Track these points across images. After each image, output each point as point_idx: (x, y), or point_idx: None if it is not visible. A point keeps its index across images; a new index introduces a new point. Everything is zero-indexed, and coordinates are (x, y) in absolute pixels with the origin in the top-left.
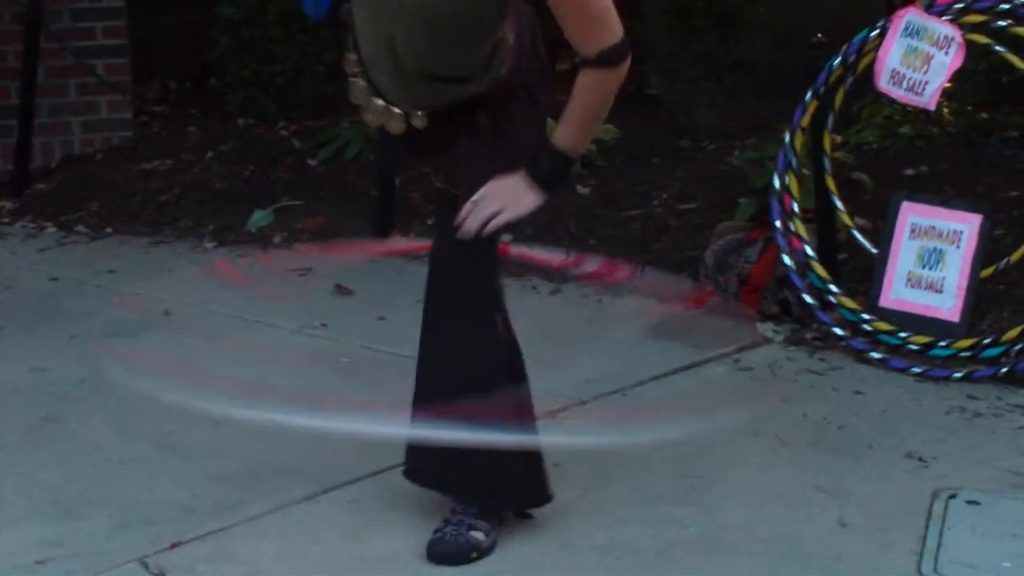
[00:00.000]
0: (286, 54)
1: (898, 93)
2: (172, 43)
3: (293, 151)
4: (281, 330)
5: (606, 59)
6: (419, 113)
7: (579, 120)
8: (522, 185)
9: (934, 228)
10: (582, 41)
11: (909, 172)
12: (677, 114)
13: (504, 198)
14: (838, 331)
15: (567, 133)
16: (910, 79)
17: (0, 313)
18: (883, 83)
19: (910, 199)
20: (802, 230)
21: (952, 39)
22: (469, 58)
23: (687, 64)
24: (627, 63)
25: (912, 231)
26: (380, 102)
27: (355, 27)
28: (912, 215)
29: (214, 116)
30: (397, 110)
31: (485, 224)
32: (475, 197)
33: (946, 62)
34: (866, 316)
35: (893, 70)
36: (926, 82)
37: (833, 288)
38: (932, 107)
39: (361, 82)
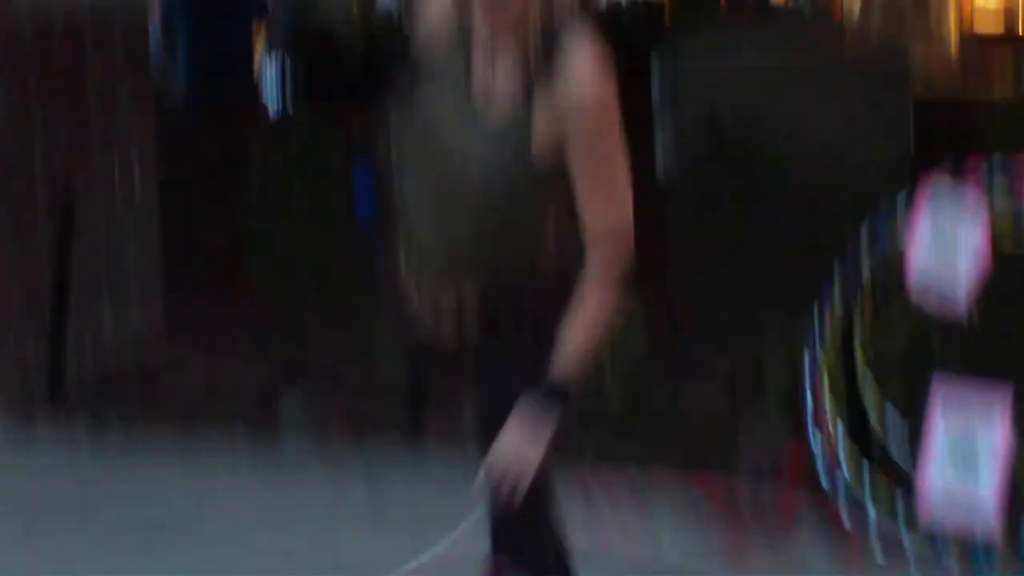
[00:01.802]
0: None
1: (932, 301)
2: (203, 234)
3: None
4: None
5: (615, 240)
6: (466, 319)
7: (581, 348)
8: (522, 438)
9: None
10: (594, 209)
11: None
12: (703, 301)
13: (509, 465)
14: (871, 534)
15: (567, 364)
16: (942, 278)
17: (32, 519)
18: (915, 292)
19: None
20: (833, 431)
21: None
22: (516, 246)
23: (713, 250)
24: (627, 277)
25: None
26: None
27: (406, 223)
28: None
29: (246, 307)
30: (448, 317)
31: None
32: (483, 475)
33: (973, 264)
34: (900, 520)
35: (923, 273)
36: (957, 279)
37: (867, 492)
38: (965, 314)
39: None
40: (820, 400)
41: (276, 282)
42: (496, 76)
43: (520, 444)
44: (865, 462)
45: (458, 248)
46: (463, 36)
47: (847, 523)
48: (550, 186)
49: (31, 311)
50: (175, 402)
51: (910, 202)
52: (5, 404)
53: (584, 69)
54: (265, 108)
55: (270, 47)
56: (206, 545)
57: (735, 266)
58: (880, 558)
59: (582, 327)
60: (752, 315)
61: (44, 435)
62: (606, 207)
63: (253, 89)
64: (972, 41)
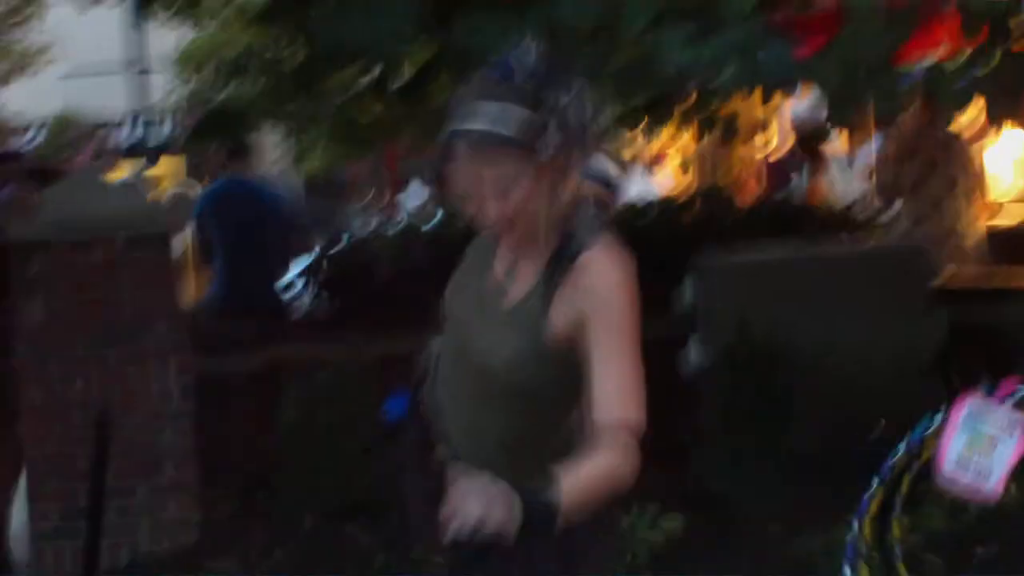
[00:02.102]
0: (348, 446)
1: (961, 486)
2: (239, 442)
3: (361, 551)
4: None
5: (624, 429)
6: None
7: (579, 485)
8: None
9: None
10: (607, 396)
11: (980, 551)
12: (739, 504)
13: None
14: None
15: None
16: (976, 464)
17: None
18: (945, 477)
19: None
20: None
21: (1017, 424)
22: (541, 444)
23: (749, 453)
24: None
25: None
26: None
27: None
28: None
29: (281, 517)
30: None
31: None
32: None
33: (1011, 449)
34: None
35: (956, 461)
36: (990, 470)
37: None
38: (996, 498)
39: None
40: None
41: (313, 493)
42: (517, 266)
43: (493, 500)
44: None
45: (486, 443)
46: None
47: None
48: (567, 374)
49: (69, 510)
50: None
51: (945, 416)
52: None
53: (602, 259)
54: (297, 313)
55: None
56: None
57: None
58: None
59: (586, 470)
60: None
61: None
62: (620, 396)
63: (284, 296)
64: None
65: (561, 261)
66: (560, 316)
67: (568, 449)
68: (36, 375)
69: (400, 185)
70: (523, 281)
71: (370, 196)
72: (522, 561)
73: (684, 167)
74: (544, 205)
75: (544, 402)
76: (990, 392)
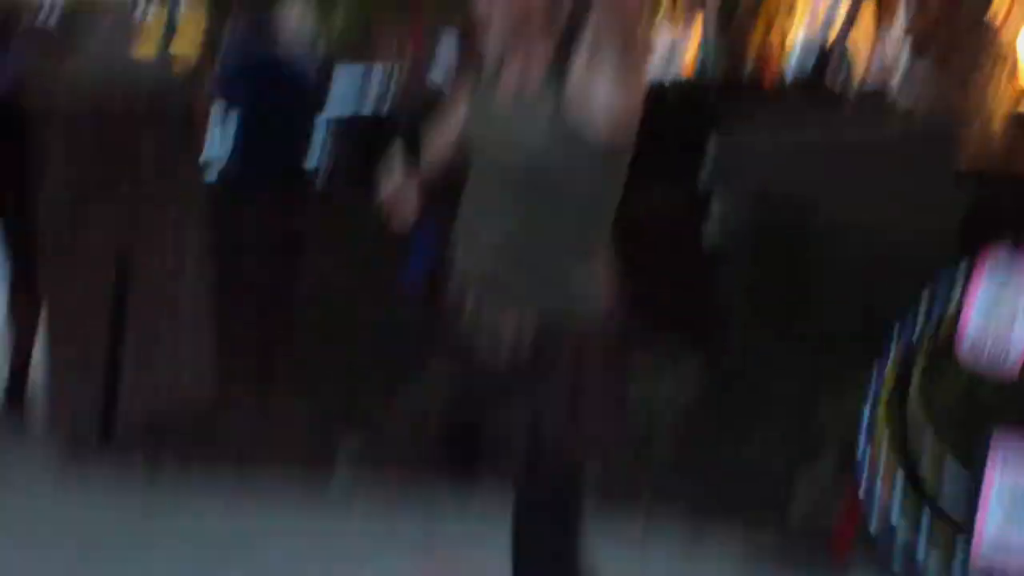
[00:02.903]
0: (371, 314)
1: (982, 358)
2: (257, 297)
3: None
4: None
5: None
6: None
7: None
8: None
9: None
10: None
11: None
12: (758, 370)
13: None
14: None
15: None
16: (997, 337)
17: (82, 563)
18: (965, 348)
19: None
20: (888, 487)
21: None
22: (569, 247)
23: (768, 320)
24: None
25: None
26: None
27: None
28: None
29: (299, 369)
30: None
31: None
32: None
33: None
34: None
35: (977, 332)
36: (1012, 343)
37: (921, 548)
38: (1016, 372)
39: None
40: (876, 455)
41: (328, 327)
42: (529, 63)
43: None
44: (924, 515)
45: (513, 254)
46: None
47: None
48: (594, 166)
49: (87, 356)
50: (228, 443)
51: (969, 270)
52: (60, 445)
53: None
54: (316, 179)
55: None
56: None
57: (791, 331)
58: None
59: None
60: (806, 377)
61: (98, 476)
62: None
63: (305, 162)
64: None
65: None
66: (577, 84)
67: (595, 270)
68: (56, 224)
69: (427, 53)
70: (535, 71)
71: (395, 62)
72: (538, 393)
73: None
74: None
75: (571, 202)
76: (1013, 256)
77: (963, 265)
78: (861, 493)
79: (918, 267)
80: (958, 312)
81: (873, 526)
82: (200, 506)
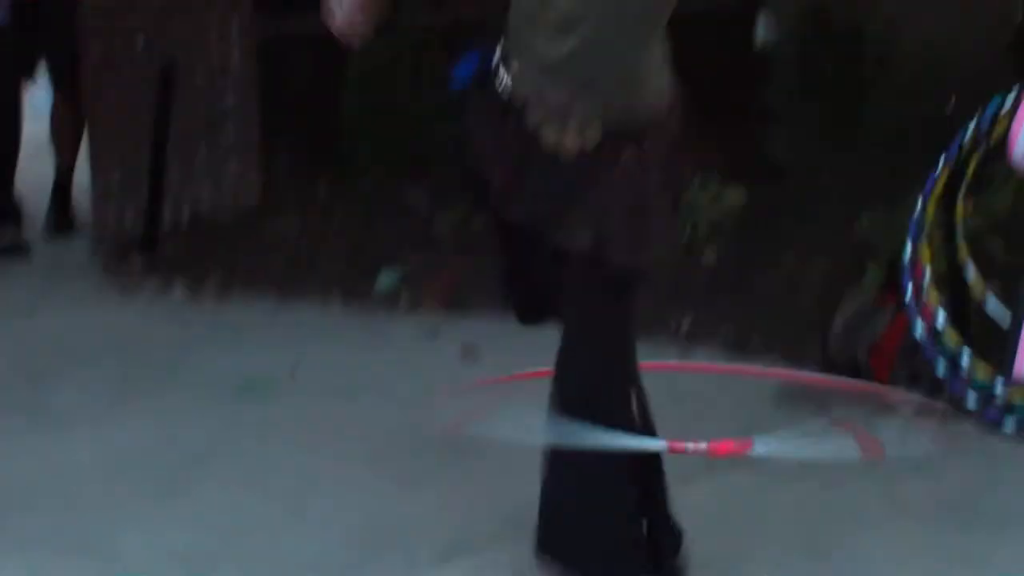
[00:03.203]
0: (417, 112)
1: None
2: (302, 103)
3: (421, 212)
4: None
5: None
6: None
7: None
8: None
9: None
10: None
11: None
12: (805, 179)
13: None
14: (970, 401)
15: None
16: None
17: (128, 372)
18: (1018, 154)
19: None
20: (933, 298)
21: None
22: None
23: (815, 129)
24: None
25: None
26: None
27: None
28: None
29: (342, 176)
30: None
31: None
32: None
33: None
34: (999, 386)
35: None
36: None
37: (965, 358)
38: None
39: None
40: (920, 279)
41: (374, 147)
42: None
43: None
44: (965, 348)
45: (578, 44)
46: None
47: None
48: None
49: (131, 168)
50: (270, 263)
51: (1020, 94)
52: (105, 260)
53: None
54: None
55: None
56: (298, 404)
57: (839, 143)
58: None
59: None
60: (853, 188)
61: (142, 290)
62: None
63: None
64: None
65: None
66: None
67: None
68: (99, 32)
69: None
70: None
71: None
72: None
73: None
74: None
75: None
76: None
77: (1017, 85)
78: (906, 299)
79: (971, 78)
80: (1011, 120)
81: (918, 333)
82: (241, 320)
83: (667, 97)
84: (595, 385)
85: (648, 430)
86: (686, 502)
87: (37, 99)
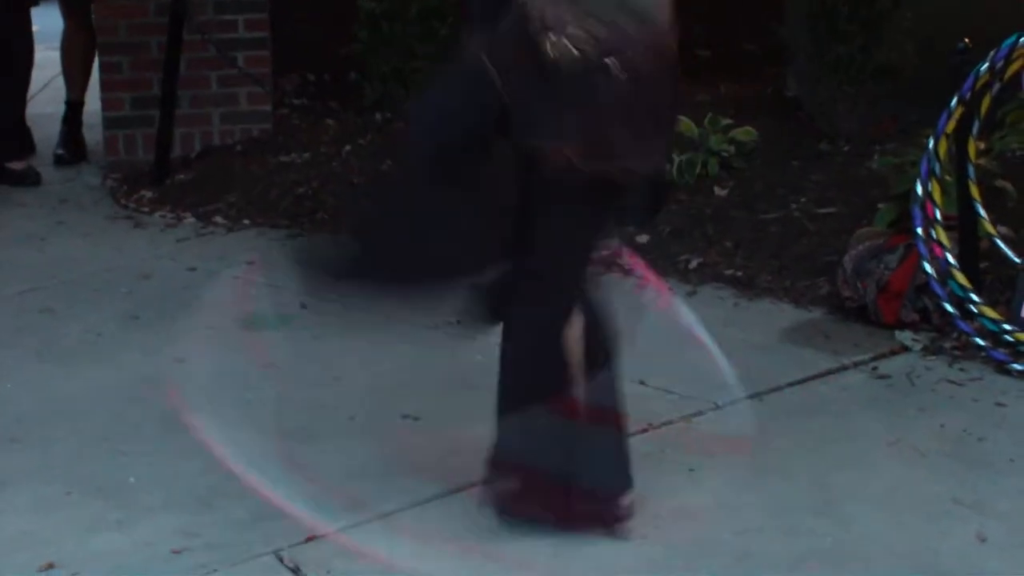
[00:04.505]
0: (426, 49)
1: None
2: (312, 37)
3: None
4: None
5: None
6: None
7: None
8: None
9: None
10: None
11: None
12: (817, 117)
13: None
14: (979, 341)
15: None
16: None
17: (138, 303)
18: None
19: None
20: (944, 238)
21: None
22: None
23: (828, 67)
24: None
25: None
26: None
27: None
28: None
29: (352, 110)
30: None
31: None
32: None
33: None
34: (1008, 327)
35: None
36: None
37: (974, 297)
38: None
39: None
40: (931, 218)
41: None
42: None
43: None
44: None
45: None
46: None
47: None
48: None
49: (141, 97)
50: (280, 194)
51: None
52: (114, 189)
53: None
54: None
55: None
56: (302, 338)
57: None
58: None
59: None
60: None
61: (153, 218)
62: None
63: None
64: None
65: None
66: None
67: None
68: None
69: None
70: None
71: None
72: None
73: None
74: None
75: None
76: None
77: None
78: (917, 244)
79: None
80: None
81: (928, 272)
82: (251, 251)
83: (663, 19)
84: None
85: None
86: (692, 436)
87: (48, 26)
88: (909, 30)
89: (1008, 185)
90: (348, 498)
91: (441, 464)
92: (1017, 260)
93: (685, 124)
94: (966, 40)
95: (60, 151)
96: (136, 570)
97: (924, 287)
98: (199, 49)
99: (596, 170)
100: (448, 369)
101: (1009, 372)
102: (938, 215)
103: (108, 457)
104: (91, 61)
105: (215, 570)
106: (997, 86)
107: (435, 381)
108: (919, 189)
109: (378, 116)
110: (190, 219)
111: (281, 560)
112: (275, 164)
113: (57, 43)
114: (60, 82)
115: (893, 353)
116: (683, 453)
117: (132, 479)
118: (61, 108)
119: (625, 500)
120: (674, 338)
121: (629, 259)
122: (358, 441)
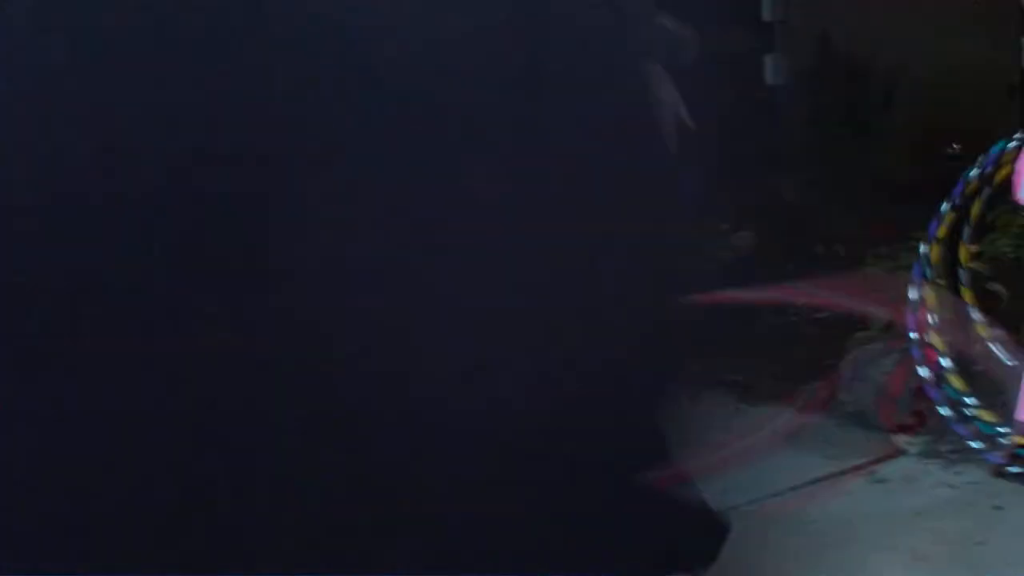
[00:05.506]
0: None
1: None
2: None
3: None
4: None
5: None
6: None
7: None
8: None
9: None
10: None
11: None
12: (811, 220)
13: None
14: (975, 444)
15: None
16: None
17: None
18: (1022, 194)
19: None
20: (938, 342)
21: None
22: None
23: (822, 172)
24: None
25: None
26: None
27: None
28: None
29: None
30: None
31: None
32: None
33: None
34: (1003, 429)
35: None
36: None
37: (969, 400)
38: None
39: None
40: (925, 323)
41: None
42: None
43: None
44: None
45: None
46: None
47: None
48: None
49: None
50: None
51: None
52: None
53: None
54: None
55: None
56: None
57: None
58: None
59: None
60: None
61: None
62: None
63: None
64: None
65: None
66: None
67: None
68: None
69: None
70: None
71: None
72: None
73: None
74: None
75: None
76: None
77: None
78: (912, 348)
79: (979, 112)
80: (1014, 160)
81: (923, 376)
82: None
83: None
84: None
85: None
86: None
87: None
88: (900, 135)
89: (1000, 288)
90: None
91: None
92: (1011, 363)
93: None
94: (956, 146)
95: None
96: None
97: (920, 391)
98: None
99: None
100: None
101: (1006, 475)
102: (932, 319)
103: None
104: None
105: None
106: (988, 191)
107: None
108: (913, 294)
109: None
110: None
111: None
112: None
113: None
114: None
115: (890, 457)
116: None
117: None
118: None
119: None
120: None
121: None
122: None
